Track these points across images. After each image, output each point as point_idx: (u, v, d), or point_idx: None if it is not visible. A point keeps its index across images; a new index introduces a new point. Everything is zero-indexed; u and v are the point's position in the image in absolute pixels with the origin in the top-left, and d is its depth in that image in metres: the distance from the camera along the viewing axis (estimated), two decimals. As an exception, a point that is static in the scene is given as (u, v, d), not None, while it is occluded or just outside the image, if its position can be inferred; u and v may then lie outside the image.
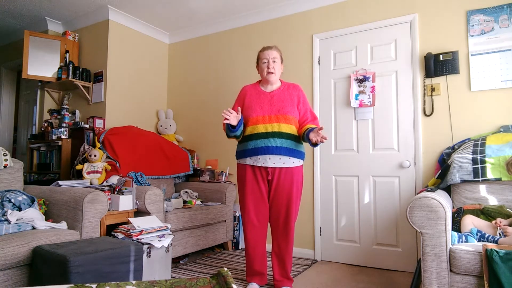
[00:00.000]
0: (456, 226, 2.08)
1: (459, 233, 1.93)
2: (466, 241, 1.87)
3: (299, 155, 2.38)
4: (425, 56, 2.83)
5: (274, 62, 2.40)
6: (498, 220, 1.98)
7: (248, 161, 2.39)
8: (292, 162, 2.34)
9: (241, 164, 2.46)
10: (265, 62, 2.41)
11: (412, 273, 2.76)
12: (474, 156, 2.32)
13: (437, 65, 2.78)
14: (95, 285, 0.89)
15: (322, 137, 2.12)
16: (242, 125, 2.39)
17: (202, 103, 4.10)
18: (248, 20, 3.80)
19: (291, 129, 2.35)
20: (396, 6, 3.03)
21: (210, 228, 3.29)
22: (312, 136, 2.17)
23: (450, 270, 1.76)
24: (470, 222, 2.03)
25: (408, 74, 2.96)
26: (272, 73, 2.39)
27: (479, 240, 1.90)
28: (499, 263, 1.58)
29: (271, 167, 2.33)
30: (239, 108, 2.35)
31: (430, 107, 2.86)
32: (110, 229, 2.48)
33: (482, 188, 2.29)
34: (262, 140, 2.32)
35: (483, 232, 1.92)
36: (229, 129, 2.35)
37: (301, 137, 2.37)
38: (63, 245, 1.94)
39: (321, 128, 2.13)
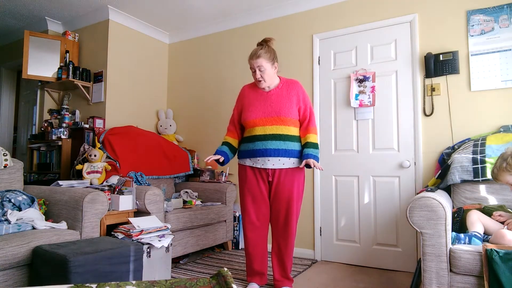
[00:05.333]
0: (456, 226, 2.08)
1: (465, 234, 1.89)
2: (469, 243, 1.84)
3: (298, 155, 2.36)
4: (425, 56, 2.83)
5: (261, 70, 2.32)
6: (497, 213, 1.97)
7: (248, 162, 2.40)
8: (292, 163, 2.33)
9: (241, 164, 2.46)
10: (253, 71, 2.36)
11: (412, 273, 2.76)
12: (474, 156, 2.32)
13: (437, 65, 2.78)
14: (95, 285, 0.89)
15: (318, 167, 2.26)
16: (230, 154, 2.47)
17: (202, 103, 4.10)
18: (248, 20, 3.80)
19: (289, 130, 2.33)
20: (396, 6, 3.03)
21: (210, 228, 3.29)
22: (306, 163, 2.28)
23: (450, 270, 1.76)
24: (477, 218, 1.97)
25: (408, 74, 2.96)
26: (260, 81, 2.35)
27: (469, 239, 1.88)
28: (499, 263, 1.58)
29: (271, 169, 2.33)
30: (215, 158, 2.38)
31: (430, 107, 2.86)
32: (110, 229, 2.48)
33: (482, 188, 2.29)
34: (260, 142, 2.32)
35: (482, 234, 1.91)
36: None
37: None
38: (63, 245, 1.94)
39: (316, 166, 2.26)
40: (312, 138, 2.35)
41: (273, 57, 2.36)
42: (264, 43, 2.39)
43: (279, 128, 2.30)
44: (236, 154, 2.54)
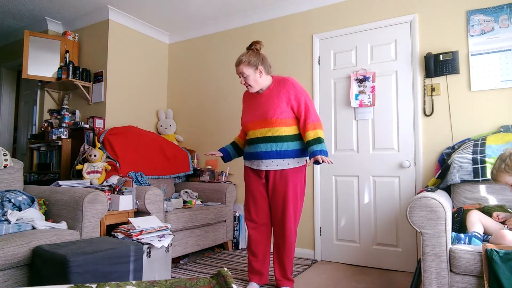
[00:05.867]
0: (456, 226, 2.08)
1: (465, 234, 1.89)
2: (469, 243, 1.84)
3: (294, 155, 2.32)
4: (425, 56, 2.83)
5: (244, 77, 2.32)
6: (495, 214, 1.97)
7: (247, 163, 2.49)
8: (287, 164, 2.31)
9: (244, 165, 2.54)
10: (240, 77, 2.38)
11: (412, 273, 2.76)
12: (474, 156, 2.32)
13: (437, 65, 2.78)
14: (95, 285, 0.89)
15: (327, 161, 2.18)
16: (233, 151, 2.66)
17: (202, 103, 4.10)
18: (248, 20, 3.80)
19: (280, 131, 2.29)
20: (396, 6, 3.03)
21: (210, 228, 3.29)
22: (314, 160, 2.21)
23: (450, 270, 1.76)
24: (477, 218, 1.96)
25: (408, 74, 2.96)
26: (248, 87, 2.38)
27: (469, 239, 1.88)
28: (499, 263, 1.58)
29: (265, 170, 2.36)
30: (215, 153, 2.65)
31: (430, 107, 2.86)
32: (110, 229, 2.48)
33: (482, 188, 2.29)
34: (253, 145, 2.38)
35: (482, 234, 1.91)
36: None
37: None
38: (63, 245, 1.94)
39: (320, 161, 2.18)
40: (311, 134, 2.26)
41: (255, 62, 2.30)
42: (250, 48, 2.38)
43: (268, 130, 2.30)
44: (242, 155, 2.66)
